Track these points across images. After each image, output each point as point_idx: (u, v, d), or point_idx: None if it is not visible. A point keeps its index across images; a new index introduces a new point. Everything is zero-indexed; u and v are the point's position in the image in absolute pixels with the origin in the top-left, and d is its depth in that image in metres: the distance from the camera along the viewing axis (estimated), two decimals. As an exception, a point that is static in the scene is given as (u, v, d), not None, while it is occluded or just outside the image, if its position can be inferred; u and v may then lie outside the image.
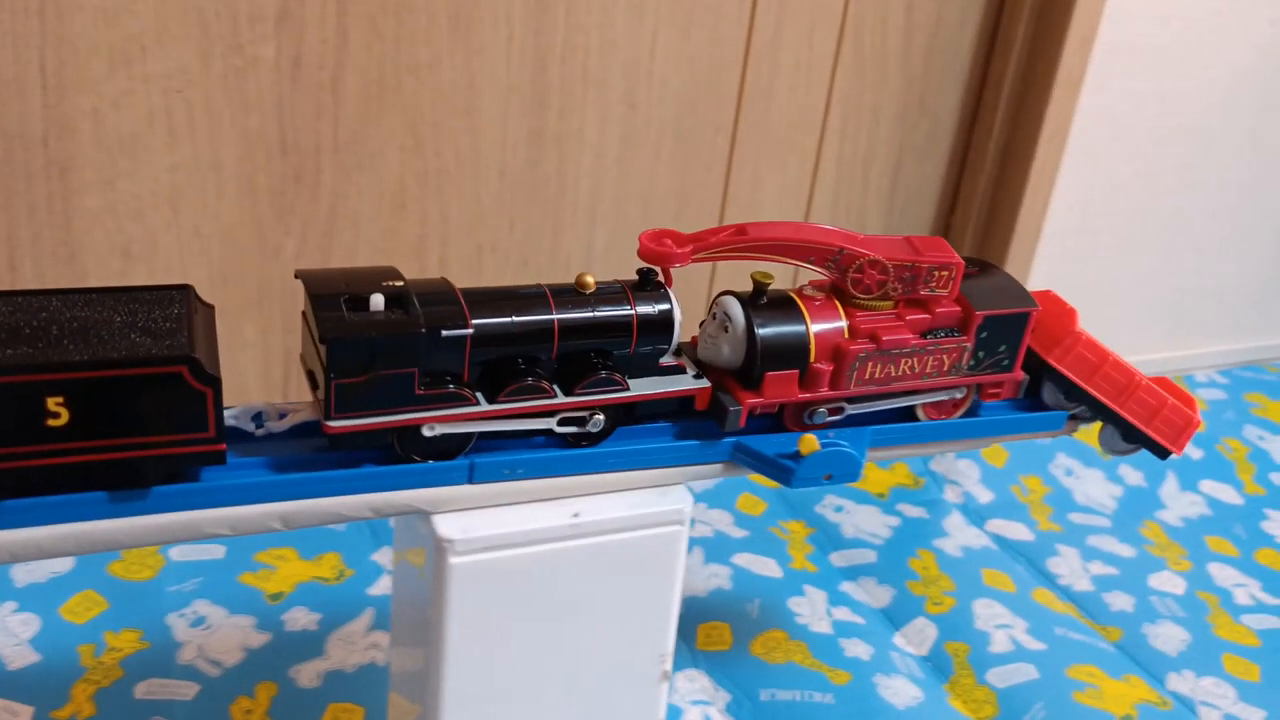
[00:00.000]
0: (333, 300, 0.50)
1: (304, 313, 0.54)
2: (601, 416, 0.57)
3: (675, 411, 0.60)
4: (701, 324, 0.63)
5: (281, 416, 0.55)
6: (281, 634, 0.83)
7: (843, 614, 0.93)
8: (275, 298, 0.96)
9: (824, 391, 0.61)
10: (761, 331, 0.59)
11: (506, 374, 0.55)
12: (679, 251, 0.58)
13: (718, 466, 0.60)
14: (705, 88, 1.07)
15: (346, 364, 0.50)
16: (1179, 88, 1.28)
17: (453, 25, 0.92)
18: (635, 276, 0.59)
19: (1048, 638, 0.94)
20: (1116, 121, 1.25)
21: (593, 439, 0.58)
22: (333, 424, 0.51)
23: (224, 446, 0.49)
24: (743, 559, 0.98)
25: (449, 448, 0.55)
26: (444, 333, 0.52)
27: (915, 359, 0.63)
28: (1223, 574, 1.09)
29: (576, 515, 0.55)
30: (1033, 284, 1.29)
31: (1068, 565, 1.06)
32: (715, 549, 0.99)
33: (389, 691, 0.69)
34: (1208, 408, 1.37)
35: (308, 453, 0.54)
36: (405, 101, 0.93)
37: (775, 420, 0.62)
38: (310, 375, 0.55)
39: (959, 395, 0.66)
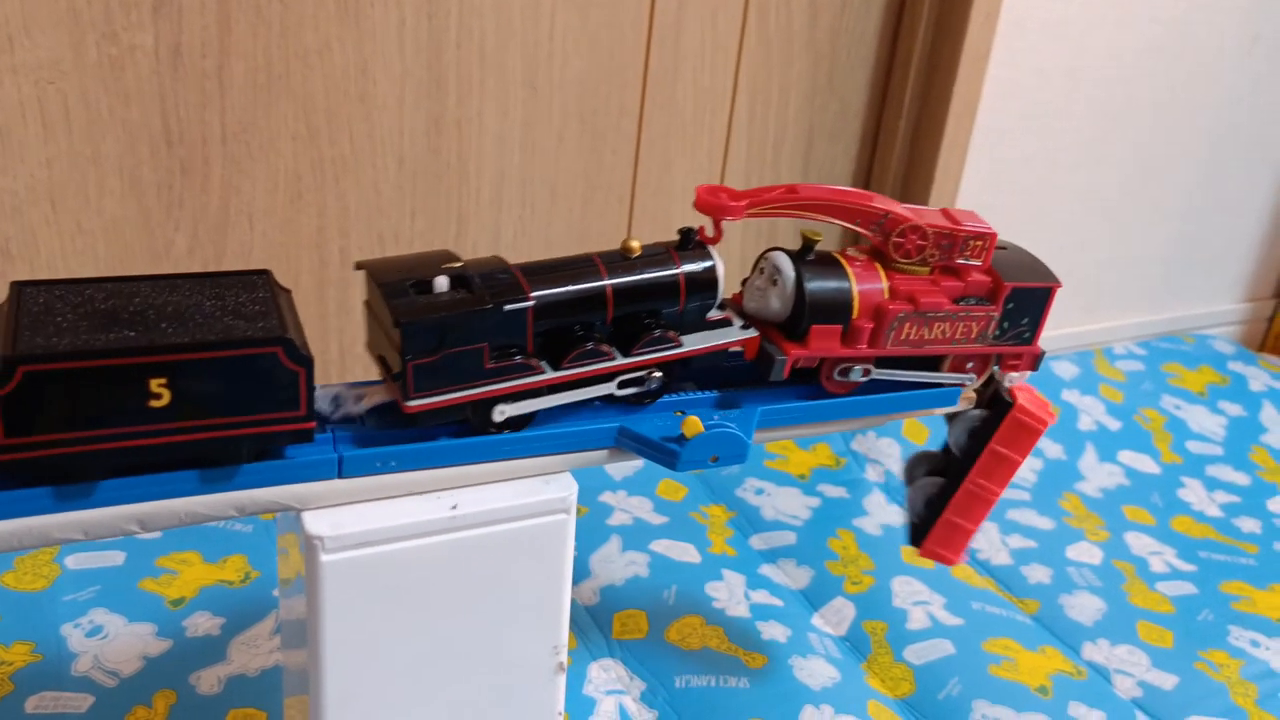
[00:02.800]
0: (400, 286, 0.53)
1: (367, 303, 0.57)
2: (660, 374, 0.60)
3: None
4: (743, 281, 0.65)
5: (359, 400, 0.57)
6: (182, 640, 0.81)
7: (761, 597, 0.93)
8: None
9: (863, 349, 0.63)
10: (810, 286, 0.61)
11: (567, 341, 0.57)
12: (734, 205, 0.60)
13: (602, 452, 0.59)
14: (608, 70, 1.05)
15: (421, 345, 0.52)
16: (1086, 63, 1.28)
17: (341, 10, 0.90)
18: (676, 237, 0.61)
19: (965, 613, 0.94)
20: (1025, 97, 1.26)
21: (646, 398, 0.60)
22: (411, 403, 0.53)
23: (314, 425, 0.51)
24: (661, 545, 0.97)
25: (522, 417, 0.57)
26: (507, 307, 0.54)
27: (948, 324, 0.65)
28: (1139, 543, 1.10)
29: (455, 507, 0.54)
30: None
31: (987, 539, 1.06)
32: (634, 537, 0.97)
33: (284, 695, 0.67)
34: (1126, 380, 1.39)
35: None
36: (295, 89, 0.91)
37: (810, 377, 0.64)
38: (381, 360, 0.57)
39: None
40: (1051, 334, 1.44)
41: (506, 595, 0.56)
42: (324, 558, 0.50)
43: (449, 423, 0.55)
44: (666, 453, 0.58)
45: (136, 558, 0.88)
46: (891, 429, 1.19)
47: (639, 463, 1.09)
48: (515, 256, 0.62)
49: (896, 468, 1.15)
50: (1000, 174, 1.29)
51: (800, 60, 1.16)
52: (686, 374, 0.62)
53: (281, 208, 0.94)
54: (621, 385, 0.59)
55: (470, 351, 0.53)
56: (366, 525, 0.51)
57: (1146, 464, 1.25)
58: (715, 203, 0.60)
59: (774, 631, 0.88)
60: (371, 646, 0.54)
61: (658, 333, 0.59)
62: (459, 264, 0.55)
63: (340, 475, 0.52)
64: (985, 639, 0.91)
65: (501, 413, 0.56)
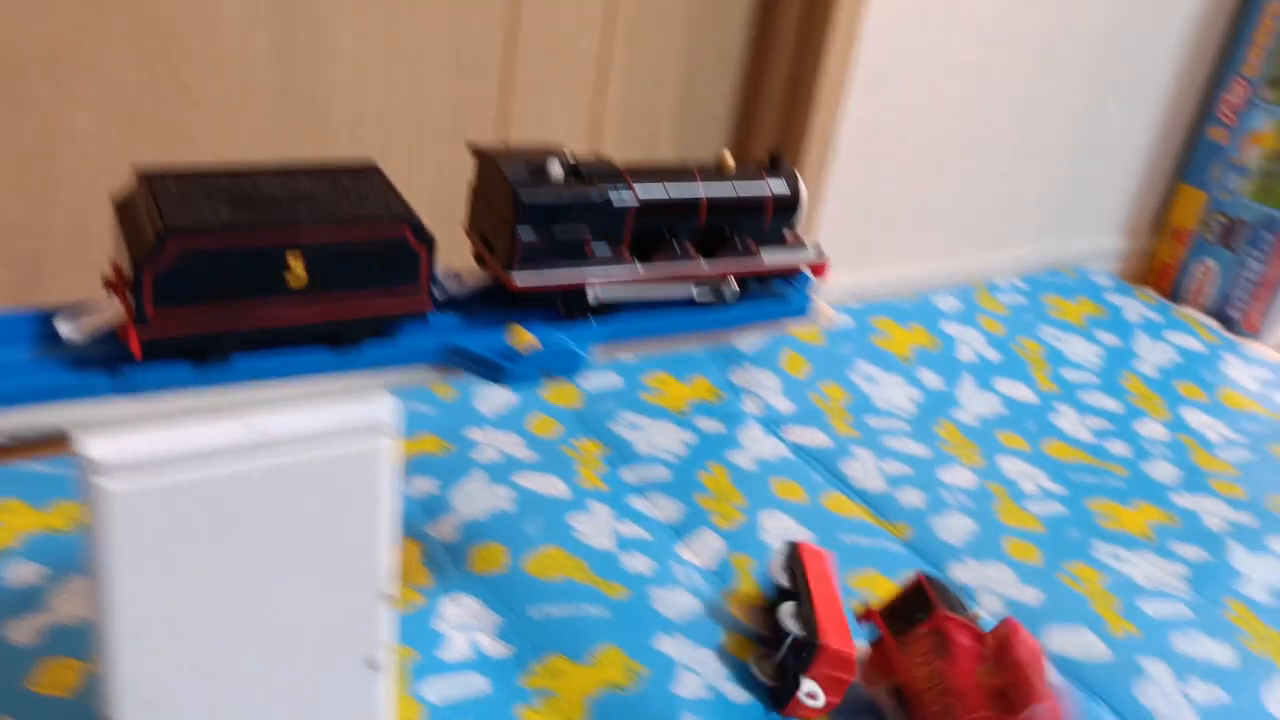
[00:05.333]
0: (517, 166, 0.56)
1: (473, 185, 0.60)
2: (736, 286, 0.63)
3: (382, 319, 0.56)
4: None
5: (458, 278, 0.60)
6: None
7: (628, 529, 0.91)
8: (-5, 230, 0.88)
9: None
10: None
11: (658, 243, 0.60)
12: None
13: (425, 370, 0.56)
14: (470, -8, 1.01)
15: (533, 224, 0.55)
16: (967, 1, 1.28)
17: (168, -81, 0.84)
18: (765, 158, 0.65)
19: (834, 545, 0.94)
20: (906, 34, 1.24)
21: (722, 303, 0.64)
22: (516, 278, 0.56)
23: (431, 305, 0.54)
24: (528, 479, 0.95)
25: (607, 308, 0.60)
26: (614, 198, 0.58)
27: None
28: (1012, 467, 1.11)
29: (259, 430, 0.50)
30: (830, 200, 1.28)
31: (862, 467, 1.06)
32: (500, 472, 0.95)
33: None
34: (1008, 312, 1.40)
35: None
36: (130, 6, 0.85)
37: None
38: (484, 240, 0.59)
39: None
40: (934, 268, 1.44)
41: (323, 526, 0.53)
42: (105, 485, 0.47)
43: (542, 307, 0.58)
44: (496, 368, 0.55)
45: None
46: (769, 360, 1.18)
47: (510, 398, 1.06)
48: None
49: (775, 400, 1.14)
50: (881, 110, 1.28)
51: (672, -15, 1.13)
52: (762, 288, 0.66)
53: (116, 135, 0.89)
54: (700, 291, 0.63)
55: (575, 239, 0.56)
56: (158, 449, 0.48)
57: (1023, 393, 1.26)
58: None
59: (637, 564, 0.87)
60: (169, 583, 0.50)
61: (740, 245, 0.62)
62: (572, 156, 0.58)
63: (122, 392, 0.48)
64: (851, 572, 0.91)
65: (596, 297, 0.59)
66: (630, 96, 1.16)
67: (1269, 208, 1.50)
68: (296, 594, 0.54)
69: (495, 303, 0.59)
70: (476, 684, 0.74)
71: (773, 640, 0.78)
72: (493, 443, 1.00)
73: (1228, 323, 1.54)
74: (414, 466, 0.95)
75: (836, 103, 1.21)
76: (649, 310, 0.62)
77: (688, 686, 0.74)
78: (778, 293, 0.66)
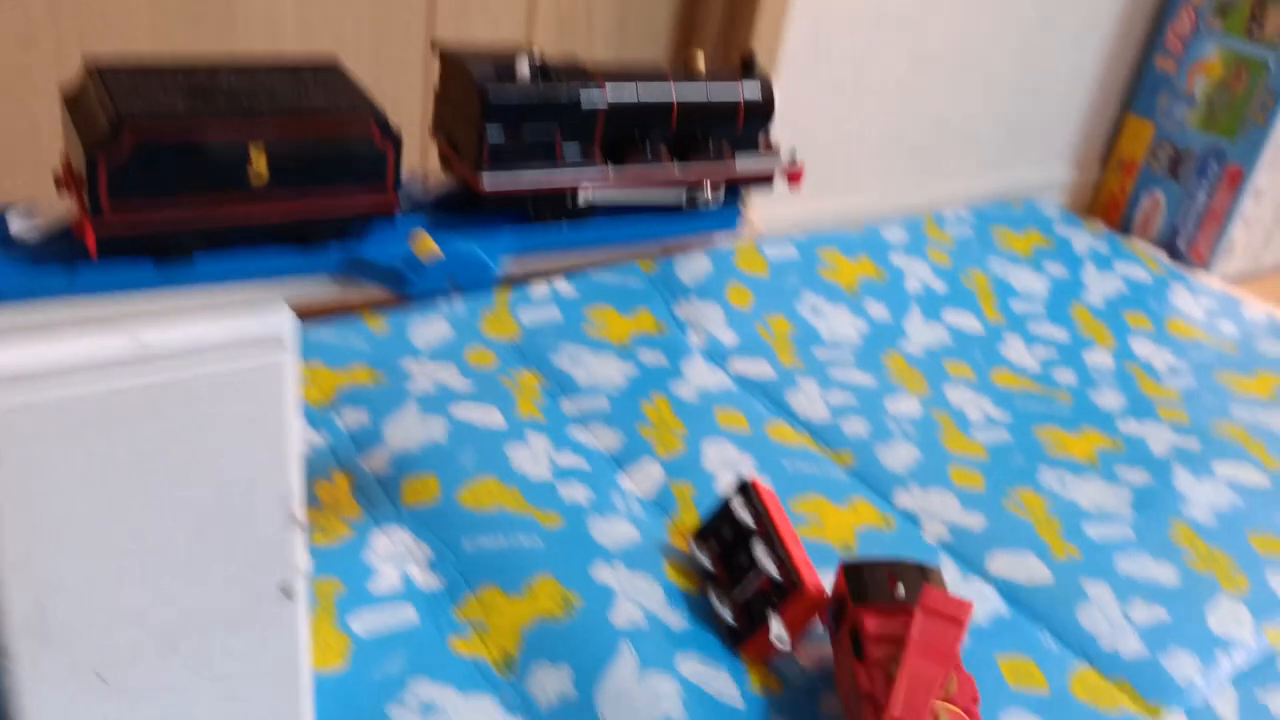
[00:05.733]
0: (484, 65, 0.54)
1: (438, 87, 0.59)
2: (710, 191, 0.62)
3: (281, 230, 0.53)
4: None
5: (424, 182, 0.59)
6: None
7: (566, 459, 0.89)
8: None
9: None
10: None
11: (630, 147, 0.59)
12: None
13: (326, 283, 0.53)
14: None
15: (502, 123, 0.54)
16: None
17: None
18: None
19: (776, 471, 0.92)
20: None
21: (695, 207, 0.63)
22: (485, 180, 0.55)
23: (398, 205, 0.53)
24: (463, 410, 0.92)
25: (579, 212, 0.59)
26: (584, 99, 0.56)
27: None
28: (958, 396, 1.10)
29: (140, 343, 0.47)
30: (774, 130, 1.25)
31: (806, 398, 1.04)
32: (434, 403, 0.92)
33: None
34: (955, 244, 1.38)
35: None
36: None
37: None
38: (450, 143, 0.58)
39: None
40: (882, 200, 1.42)
41: (221, 447, 0.50)
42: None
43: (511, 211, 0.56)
44: (399, 278, 0.52)
45: None
46: (714, 293, 1.16)
47: (445, 330, 1.03)
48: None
49: (719, 332, 1.12)
50: (826, 38, 1.25)
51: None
52: (736, 194, 0.64)
53: (8, 52, 0.84)
54: (674, 196, 0.61)
55: (545, 140, 0.55)
56: (25, 363, 0.44)
57: (971, 323, 1.24)
58: None
59: (575, 493, 0.84)
60: (55, 511, 0.47)
61: (714, 150, 0.61)
62: (539, 56, 0.57)
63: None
64: (794, 497, 0.89)
65: (586, 200, 0.58)
66: (563, 6, 1.12)
67: (1216, 136, 1.49)
68: (199, 520, 0.51)
69: (463, 208, 0.57)
70: (406, 616, 0.71)
71: (724, 577, 0.76)
72: (427, 374, 0.96)
73: (1175, 254, 1.54)
74: (345, 398, 0.91)
75: (781, 22, 1.18)
76: (571, 221, 0.59)
77: (625, 615, 0.72)
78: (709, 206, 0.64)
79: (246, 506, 0.53)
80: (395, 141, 0.50)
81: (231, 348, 0.49)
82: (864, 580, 0.68)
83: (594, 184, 0.58)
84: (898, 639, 0.64)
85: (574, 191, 0.57)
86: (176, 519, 0.51)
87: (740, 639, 0.72)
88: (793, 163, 0.64)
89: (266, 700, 0.58)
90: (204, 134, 0.45)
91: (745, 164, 0.63)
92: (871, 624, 0.65)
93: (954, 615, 0.63)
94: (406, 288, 0.52)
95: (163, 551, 0.51)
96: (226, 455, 0.51)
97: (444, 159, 0.58)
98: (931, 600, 0.63)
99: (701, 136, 0.61)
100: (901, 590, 0.67)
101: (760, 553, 0.72)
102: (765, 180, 0.65)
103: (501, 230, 0.56)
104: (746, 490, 0.78)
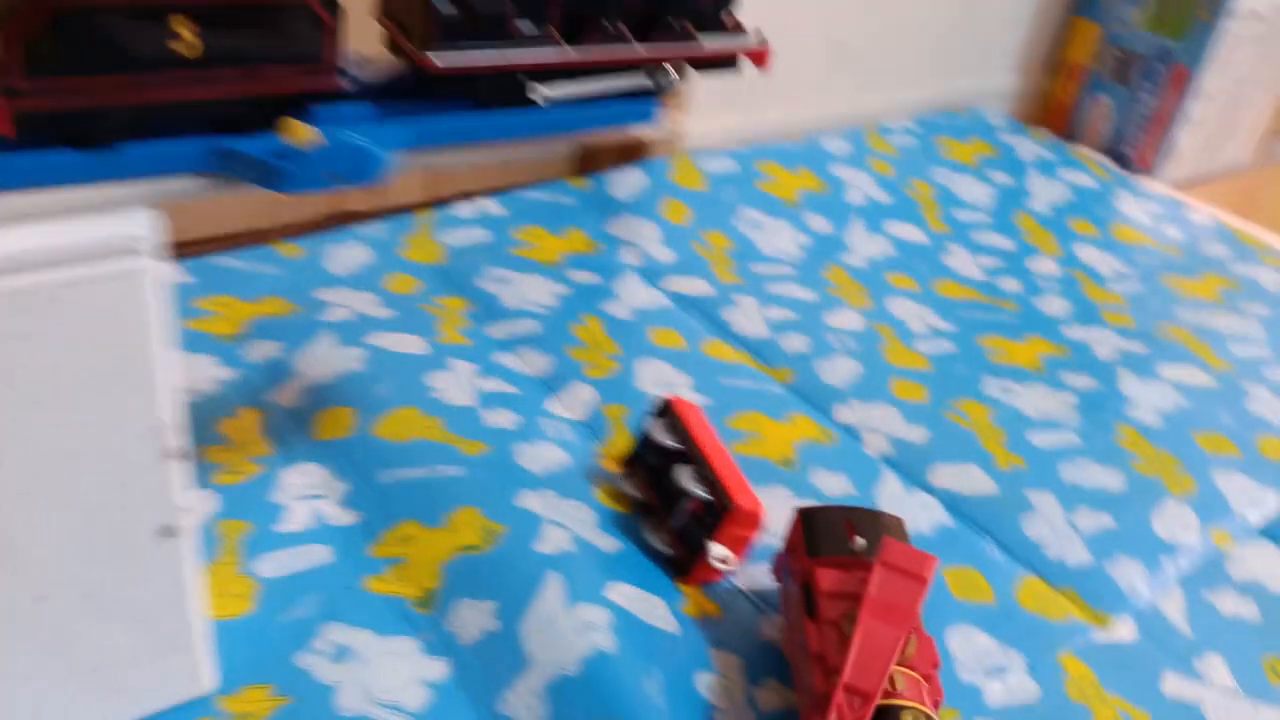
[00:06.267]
0: None
1: None
2: (673, 72, 0.59)
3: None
4: None
5: (369, 65, 0.55)
6: None
7: (491, 385, 0.84)
8: None
9: None
10: None
11: (588, 23, 0.56)
12: None
13: (188, 179, 0.47)
14: None
15: None
16: None
17: None
18: None
19: (713, 390, 0.89)
20: None
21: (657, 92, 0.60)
22: (436, 58, 0.51)
23: (341, 84, 0.49)
24: (382, 339, 0.87)
25: (527, 96, 0.55)
26: None
27: None
28: (901, 308, 1.06)
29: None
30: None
31: (744, 314, 1.00)
32: (350, 332, 0.87)
33: None
34: (898, 154, 1.34)
35: None
36: None
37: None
38: (398, 25, 0.54)
39: None
40: (823, 111, 1.37)
41: (77, 370, 0.45)
42: None
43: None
44: (272, 171, 0.47)
45: None
46: (648, 209, 1.11)
47: (363, 255, 0.98)
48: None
49: (655, 250, 1.07)
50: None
51: None
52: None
53: None
54: (633, 77, 0.58)
55: (497, 13, 0.52)
56: None
57: (914, 234, 1.21)
58: None
59: (501, 419, 0.80)
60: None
61: (677, 27, 0.57)
62: None
63: None
64: (731, 414, 0.86)
65: (540, 93, 0.54)
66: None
67: (1162, 37, 1.46)
68: (63, 453, 0.47)
69: (413, 92, 0.54)
70: (318, 555, 0.67)
71: (658, 506, 0.72)
72: (344, 303, 0.91)
73: (1122, 160, 1.51)
74: (254, 331, 0.86)
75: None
76: (476, 110, 0.54)
77: (552, 542, 0.68)
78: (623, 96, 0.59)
79: (115, 437, 0.48)
80: (336, 12, 0.46)
81: (80, 255, 0.43)
82: (819, 530, 0.64)
83: (551, 61, 0.54)
84: (854, 596, 0.58)
85: (530, 71, 0.53)
86: (37, 452, 0.46)
87: (681, 569, 0.69)
88: (760, 41, 0.60)
89: (153, 647, 0.54)
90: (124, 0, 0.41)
91: (712, 42, 0.59)
92: (826, 579, 0.60)
93: (916, 571, 0.57)
94: (281, 181, 0.47)
95: (27, 488, 0.47)
96: (85, 378, 0.46)
97: (392, 43, 0.55)
98: (892, 554, 0.58)
99: (664, 14, 0.58)
100: (860, 542, 0.62)
101: (685, 477, 0.69)
102: (731, 62, 0.61)
103: (395, 117, 0.51)
104: (666, 411, 0.75)
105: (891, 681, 0.54)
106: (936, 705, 0.56)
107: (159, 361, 0.47)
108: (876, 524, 0.64)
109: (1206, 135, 1.53)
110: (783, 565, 0.67)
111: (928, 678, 0.56)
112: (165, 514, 0.50)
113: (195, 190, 0.48)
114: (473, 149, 0.55)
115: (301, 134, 0.47)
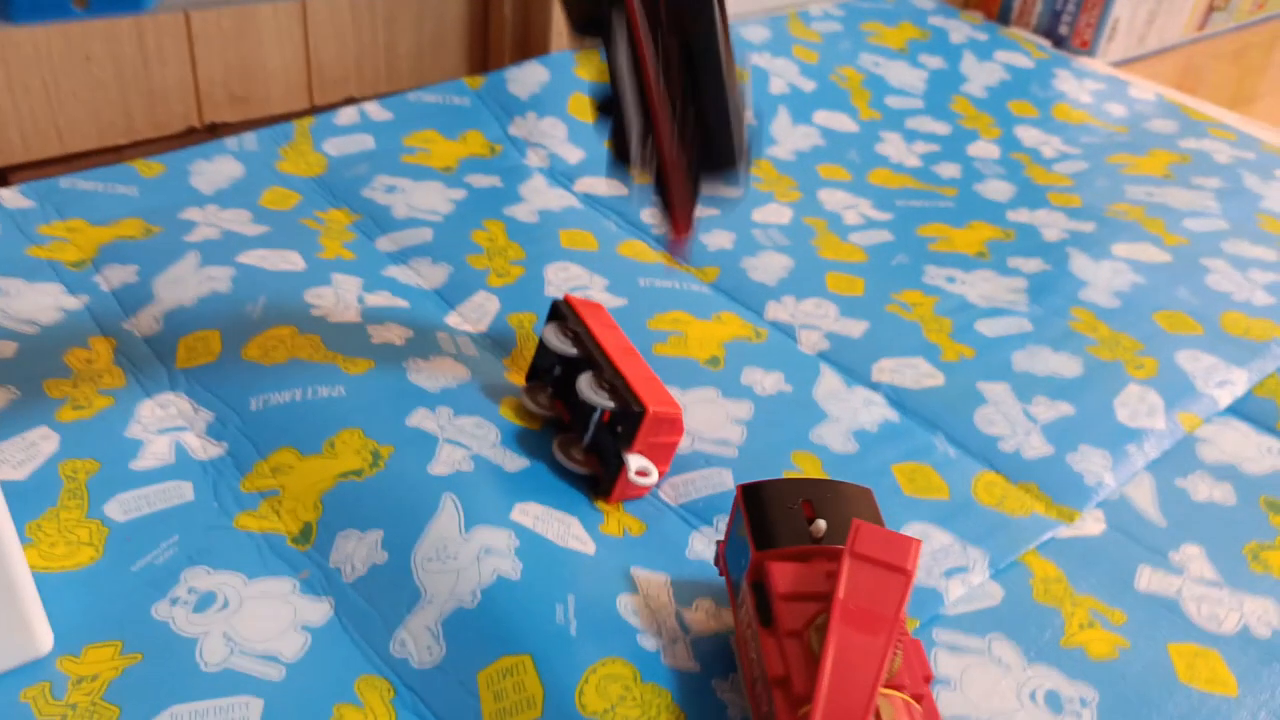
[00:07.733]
0: None
1: None
2: None
3: None
4: None
5: None
6: None
7: (379, 299, 0.75)
8: None
9: None
10: None
11: None
12: None
13: None
14: None
15: None
16: None
17: None
18: None
19: (631, 291, 0.80)
20: None
21: None
22: None
23: None
24: (253, 257, 0.77)
25: None
26: None
27: None
28: (833, 199, 0.98)
29: None
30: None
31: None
32: (218, 251, 0.77)
33: None
34: (823, 40, 1.25)
35: None
36: None
37: None
38: None
39: None
40: (743, 6, 1.28)
41: None
42: None
43: None
44: None
45: None
46: (555, 107, 1.01)
47: (234, 169, 0.87)
48: None
49: (562, 150, 0.98)
50: None
51: None
52: None
53: None
54: None
55: None
56: None
57: (844, 123, 1.12)
58: None
59: (390, 334, 0.71)
60: None
61: None
62: None
63: None
64: (651, 316, 0.77)
65: None
66: None
67: (1094, -92, 1.37)
68: None
69: None
70: (178, 493, 0.58)
71: (569, 422, 0.64)
72: (212, 222, 0.81)
73: (1058, 40, 1.43)
74: (108, 255, 0.76)
75: None
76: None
77: (447, 462, 0.60)
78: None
79: None
80: None
81: None
82: (769, 512, 0.49)
83: None
84: (820, 596, 0.46)
85: None
86: None
87: (602, 489, 0.61)
88: None
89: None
90: None
91: None
92: (782, 578, 0.46)
93: (896, 562, 0.42)
94: (7, 10, 0.37)
95: None
96: None
97: None
98: (864, 542, 0.43)
99: None
100: (821, 525, 0.49)
101: (585, 385, 0.60)
102: None
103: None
104: (560, 312, 0.66)
105: (877, 715, 0.41)
106: None
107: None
108: (840, 499, 0.50)
109: (1145, 11, 1.46)
110: (724, 557, 0.54)
111: (919, 698, 0.44)
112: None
113: None
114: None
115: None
